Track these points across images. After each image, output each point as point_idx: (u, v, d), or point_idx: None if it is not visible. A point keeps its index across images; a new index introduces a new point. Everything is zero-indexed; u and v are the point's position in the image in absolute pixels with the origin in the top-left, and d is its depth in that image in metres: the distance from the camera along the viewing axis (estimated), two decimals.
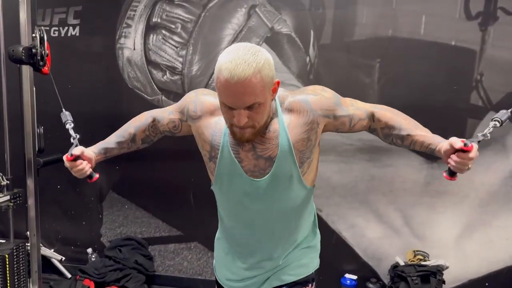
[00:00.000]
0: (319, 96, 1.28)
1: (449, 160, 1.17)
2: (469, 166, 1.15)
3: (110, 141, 1.46)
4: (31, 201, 2.29)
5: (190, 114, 1.35)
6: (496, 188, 2.57)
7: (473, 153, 1.14)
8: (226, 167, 1.30)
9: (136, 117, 1.50)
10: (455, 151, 1.15)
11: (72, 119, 1.54)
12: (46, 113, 2.39)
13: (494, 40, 2.47)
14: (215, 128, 1.29)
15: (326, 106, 1.28)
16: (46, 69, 2.08)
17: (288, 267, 1.43)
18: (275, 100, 1.27)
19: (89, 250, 3.10)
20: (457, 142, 1.15)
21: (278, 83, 1.19)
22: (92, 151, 1.41)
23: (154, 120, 1.45)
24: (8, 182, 2.40)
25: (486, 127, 1.21)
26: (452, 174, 1.19)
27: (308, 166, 1.31)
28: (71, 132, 1.48)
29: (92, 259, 3.05)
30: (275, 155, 1.25)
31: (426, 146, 1.25)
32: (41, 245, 2.60)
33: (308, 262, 1.47)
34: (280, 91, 1.29)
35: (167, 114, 1.43)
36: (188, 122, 1.37)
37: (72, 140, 1.44)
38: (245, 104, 1.13)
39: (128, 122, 1.50)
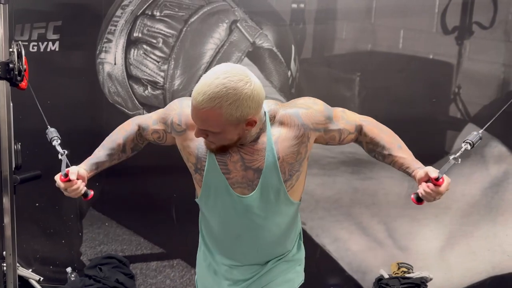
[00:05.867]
0: (311, 110, 1.29)
1: (420, 187, 1.22)
2: (437, 197, 1.21)
3: (100, 155, 1.41)
4: (7, 220, 2.23)
5: (174, 127, 1.33)
6: (476, 199, 2.60)
7: (443, 187, 1.19)
8: (213, 180, 1.29)
9: (121, 126, 1.46)
10: (428, 180, 1.21)
11: (58, 136, 1.47)
12: (23, 129, 2.35)
13: (470, 53, 2.53)
14: (201, 140, 1.28)
15: (317, 120, 1.29)
16: (23, 84, 2.04)
17: (274, 282, 1.42)
18: (264, 113, 1.26)
19: (69, 269, 3.02)
20: (432, 172, 1.20)
21: (253, 121, 1.17)
22: (83, 168, 1.35)
23: (139, 128, 1.43)
24: None
25: (469, 135, 1.28)
26: (419, 199, 1.24)
27: (296, 179, 1.32)
28: (59, 148, 1.41)
29: (72, 279, 2.96)
30: (263, 167, 1.25)
31: (403, 169, 1.31)
32: (18, 265, 2.52)
33: (294, 277, 1.46)
34: (271, 104, 1.30)
35: (151, 123, 1.41)
36: (172, 134, 1.36)
37: (60, 157, 1.37)
38: (199, 126, 1.17)
39: (114, 132, 1.45)
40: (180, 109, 1.33)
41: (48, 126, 1.50)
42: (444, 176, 1.20)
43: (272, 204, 1.31)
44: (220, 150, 1.25)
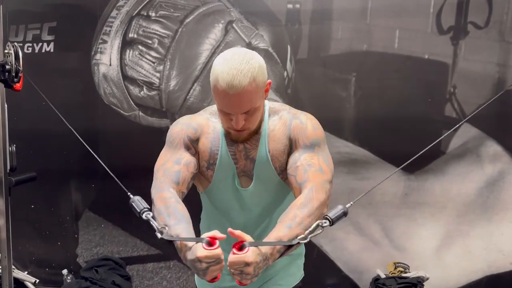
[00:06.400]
0: (302, 125, 1.29)
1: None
2: (240, 273, 1.01)
3: (185, 227, 1.12)
4: (2, 222, 2.21)
5: (193, 139, 1.33)
6: (472, 198, 2.61)
7: (233, 258, 1.00)
8: (225, 169, 1.32)
9: (160, 198, 1.20)
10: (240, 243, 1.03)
11: (147, 205, 1.15)
12: (18, 130, 2.33)
13: (466, 53, 2.54)
14: (213, 135, 1.33)
15: (298, 135, 1.28)
16: (18, 85, 2.03)
17: (277, 277, 1.44)
18: (264, 105, 1.32)
19: (65, 271, 3.01)
20: (245, 236, 1.03)
21: (269, 83, 1.24)
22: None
23: (174, 186, 1.25)
24: None
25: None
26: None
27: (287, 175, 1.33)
28: (155, 224, 1.09)
29: (68, 281, 2.95)
30: (256, 158, 1.30)
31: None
32: (13, 267, 2.51)
33: (295, 271, 1.49)
34: (277, 103, 1.36)
35: (178, 166, 1.27)
36: (197, 148, 1.33)
37: (159, 236, 1.06)
38: (242, 111, 1.18)
39: (162, 207, 1.17)
40: (185, 124, 1.33)
41: (130, 195, 1.21)
42: (252, 249, 1.00)
43: (271, 193, 1.34)
44: (249, 136, 1.29)
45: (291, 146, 1.29)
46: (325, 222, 1.08)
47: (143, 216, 1.13)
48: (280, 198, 1.38)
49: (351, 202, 1.14)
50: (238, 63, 1.15)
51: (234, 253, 1.01)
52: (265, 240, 1.08)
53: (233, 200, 1.36)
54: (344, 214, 1.10)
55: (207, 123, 1.34)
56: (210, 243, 1.02)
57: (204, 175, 1.36)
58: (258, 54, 1.23)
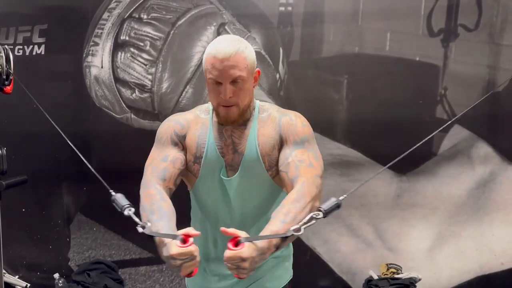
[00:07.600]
0: (292, 122, 1.32)
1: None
2: (236, 267, 1.03)
3: (166, 224, 1.13)
4: None
5: (180, 134, 1.35)
6: (463, 200, 2.62)
7: (228, 253, 1.02)
8: (211, 164, 1.32)
9: (146, 194, 1.24)
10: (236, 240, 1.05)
11: (129, 202, 1.17)
12: (8, 133, 2.32)
13: (456, 55, 2.56)
14: (201, 130, 1.34)
15: (289, 133, 1.30)
16: (8, 88, 2.02)
17: (263, 279, 1.43)
18: (254, 102, 1.35)
19: (56, 275, 2.98)
20: (239, 233, 1.05)
21: (259, 72, 1.31)
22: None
23: (161, 183, 1.27)
24: None
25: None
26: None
27: (277, 172, 1.33)
28: (137, 220, 1.11)
29: (59, 285, 2.93)
30: (245, 151, 1.31)
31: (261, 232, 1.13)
32: (4, 271, 2.48)
33: (282, 274, 1.48)
34: (267, 104, 1.39)
35: (164, 163, 1.29)
36: (184, 143, 1.35)
37: (141, 230, 1.08)
38: (231, 77, 1.22)
39: (146, 203, 1.21)
40: (173, 121, 1.37)
41: (112, 192, 1.23)
42: (248, 244, 1.02)
43: (259, 190, 1.34)
44: (238, 117, 1.29)
45: (282, 143, 1.31)
46: (318, 214, 1.11)
47: (125, 212, 1.15)
48: (269, 200, 1.36)
49: (345, 195, 1.16)
50: (230, 38, 1.28)
51: (230, 249, 1.04)
52: (260, 234, 1.09)
53: (219, 196, 1.35)
54: (337, 206, 1.13)
55: (196, 119, 1.36)
56: (184, 240, 1.04)
57: (191, 170, 1.36)
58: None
